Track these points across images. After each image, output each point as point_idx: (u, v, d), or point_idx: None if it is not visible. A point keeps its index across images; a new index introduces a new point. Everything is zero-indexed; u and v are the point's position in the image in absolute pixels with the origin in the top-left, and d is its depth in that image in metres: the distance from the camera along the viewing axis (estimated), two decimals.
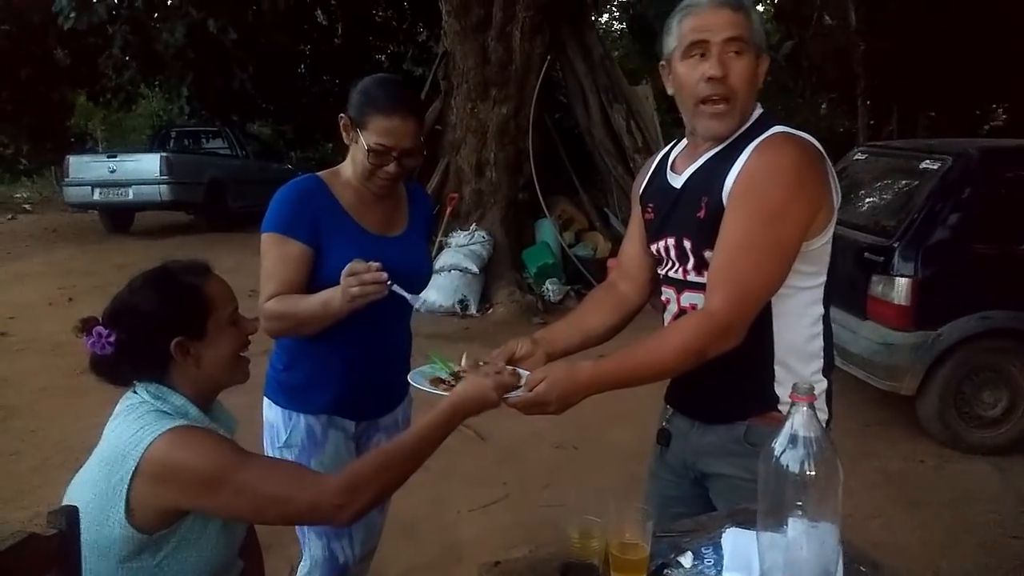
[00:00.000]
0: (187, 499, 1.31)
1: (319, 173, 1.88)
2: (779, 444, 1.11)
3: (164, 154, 10.94)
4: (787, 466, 1.10)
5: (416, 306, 1.72)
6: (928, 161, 4.22)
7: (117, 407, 1.43)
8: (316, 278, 1.78)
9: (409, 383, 1.56)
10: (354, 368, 1.80)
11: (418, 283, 1.91)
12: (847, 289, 4.18)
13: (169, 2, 11.19)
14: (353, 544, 1.96)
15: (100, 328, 1.39)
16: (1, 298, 7.25)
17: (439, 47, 8.36)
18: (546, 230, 7.56)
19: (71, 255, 9.48)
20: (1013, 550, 3.12)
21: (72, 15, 10.61)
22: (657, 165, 1.72)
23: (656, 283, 1.72)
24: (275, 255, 1.77)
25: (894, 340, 3.95)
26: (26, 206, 14.37)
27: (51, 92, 13.62)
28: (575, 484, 3.62)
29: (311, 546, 1.95)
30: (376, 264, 1.62)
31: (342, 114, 1.80)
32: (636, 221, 1.76)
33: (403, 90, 1.82)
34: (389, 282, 1.62)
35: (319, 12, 14.89)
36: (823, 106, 15.22)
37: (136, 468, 1.29)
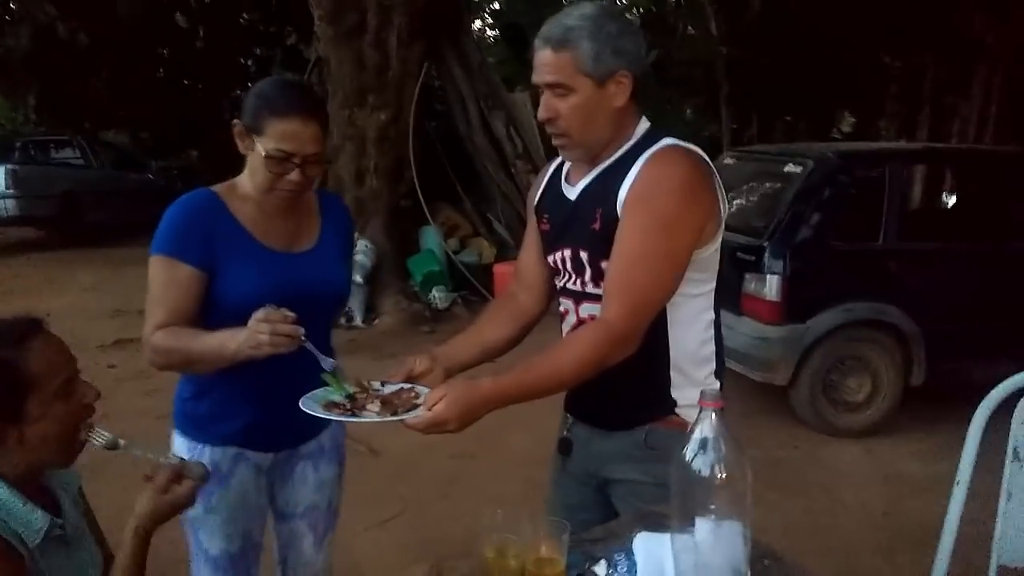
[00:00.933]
0: None
1: (214, 187, 1.71)
2: (690, 449, 1.13)
3: (10, 166, 10.16)
4: (699, 471, 1.12)
5: (327, 368, 1.56)
6: (791, 164, 4.49)
7: None
8: (212, 302, 1.63)
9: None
10: (266, 396, 1.65)
11: (330, 301, 1.79)
12: (723, 287, 4.36)
13: (12, 5, 10.31)
14: None
15: None
16: None
17: (310, 52, 8.15)
18: (430, 237, 7.51)
19: None
20: (884, 525, 3.35)
21: None
22: (551, 175, 1.72)
23: (555, 292, 1.72)
24: (162, 280, 1.61)
25: (767, 334, 4.17)
26: None
27: None
28: (474, 494, 3.60)
29: None
30: (292, 315, 1.48)
31: (236, 120, 1.65)
32: (532, 232, 1.76)
33: (303, 91, 1.68)
34: (304, 337, 1.49)
35: (178, 14, 14.17)
36: (688, 112, 15.93)
37: None
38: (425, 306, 6.87)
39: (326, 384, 1.55)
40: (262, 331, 1.46)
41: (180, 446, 1.75)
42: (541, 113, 1.55)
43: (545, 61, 1.50)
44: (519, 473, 3.54)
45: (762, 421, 4.45)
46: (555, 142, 1.58)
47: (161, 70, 14.59)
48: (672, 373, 1.59)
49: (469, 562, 1.31)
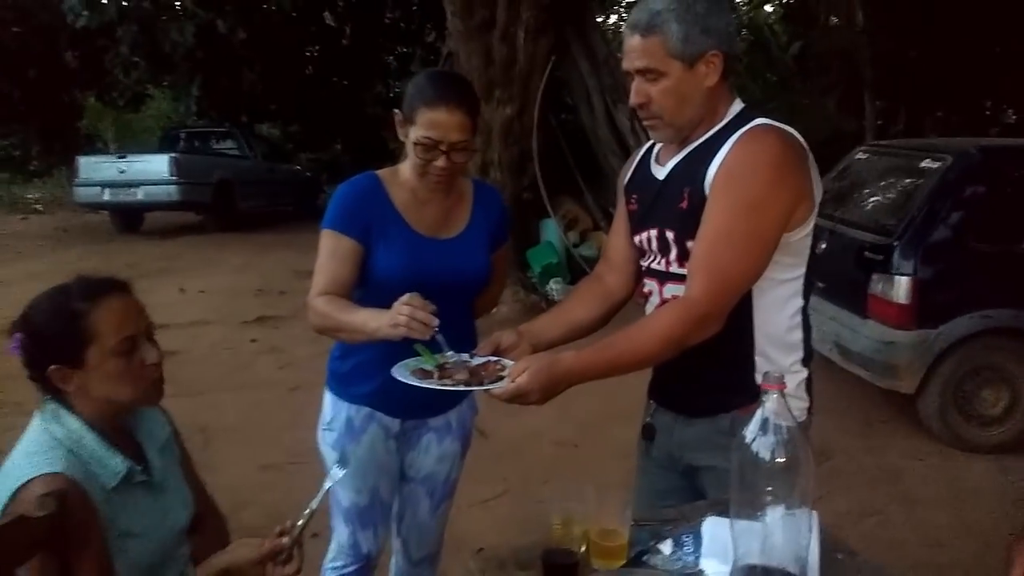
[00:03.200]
0: (28, 552, 1.23)
1: (378, 171, 1.88)
2: (750, 431, 1.13)
3: (173, 155, 11.04)
4: (758, 453, 1.12)
5: (448, 357, 1.60)
6: (929, 160, 4.22)
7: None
8: (365, 276, 1.80)
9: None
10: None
11: (468, 287, 1.89)
12: (848, 287, 4.17)
13: (178, 3, 11.25)
14: (377, 537, 2.00)
15: (18, 335, 1.37)
16: (11, 297, 7.29)
17: (445, 48, 8.39)
18: (550, 230, 7.57)
19: (81, 255, 9.56)
20: None
21: (84, 13, 10.69)
22: (642, 157, 1.74)
23: (642, 273, 1.73)
24: (327, 250, 1.79)
25: (894, 338, 3.94)
26: (37, 207, 14.50)
27: (60, 93, 13.73)
28: (574, 481, 3.62)
29: (337, 532, 2.00)
30: (433, 307, 1.58)
31: (396, 110, 1.79)
32: (621, 213, 1.78)
33: (452, 82, 1.81)
34: (436, 328, 1.57)
35: (327, 13, 14.94)
36: (831, 106, 15.13)
37: (4, 507, 1.26)
38: (542, 297, 6.94)
39: (419, 354, 1.64)
40: (403, 312, 1.56)
41: (327, 396, 1.95)
42: (633, 99, 1.56)
43: (634, 47, 1.51)
44: (620, 464, 3.50)
45: (885, 430, 4.22)
46: (646, 123, 1.60)
47: (310, 67, 15.45)
48: (757, 359, 1.57)
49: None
